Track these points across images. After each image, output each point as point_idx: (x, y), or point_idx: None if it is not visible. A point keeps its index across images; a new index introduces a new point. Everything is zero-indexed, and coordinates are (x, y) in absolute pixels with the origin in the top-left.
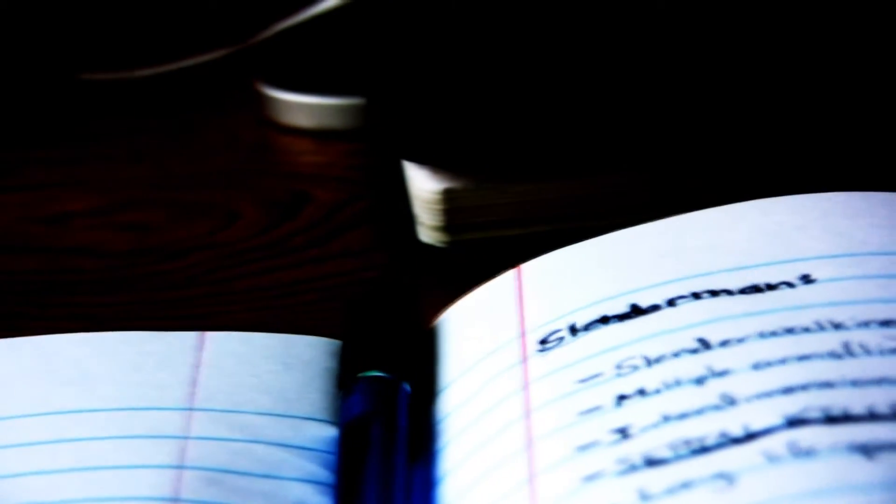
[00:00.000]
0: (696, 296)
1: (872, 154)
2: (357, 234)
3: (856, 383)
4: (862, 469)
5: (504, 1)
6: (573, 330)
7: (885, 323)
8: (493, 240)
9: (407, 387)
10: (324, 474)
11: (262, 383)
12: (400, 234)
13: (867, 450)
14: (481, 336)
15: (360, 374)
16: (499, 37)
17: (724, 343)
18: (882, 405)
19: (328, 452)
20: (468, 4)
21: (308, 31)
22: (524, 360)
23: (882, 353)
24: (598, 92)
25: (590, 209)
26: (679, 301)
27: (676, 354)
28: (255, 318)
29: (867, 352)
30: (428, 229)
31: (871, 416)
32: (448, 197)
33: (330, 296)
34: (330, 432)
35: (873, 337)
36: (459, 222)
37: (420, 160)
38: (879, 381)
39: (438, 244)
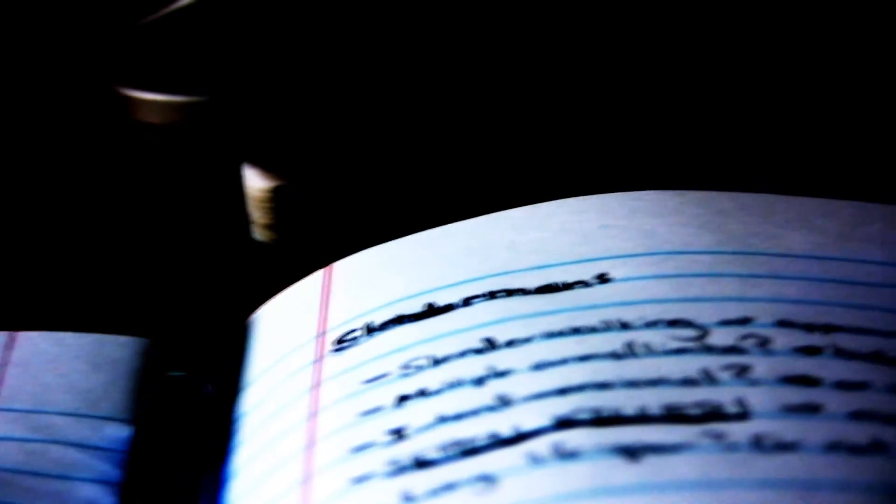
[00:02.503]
0: (492, 295)
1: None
2: (193, 232)
3: (632, 384)
4: (623, 471)
5: (338, 14)
6: (369, 330)
7: (673, 323)
8: (324, 237)
9: (208, 386)
10: (118, 474)
11: (68, 383)
12: (234, 233)
13: (631, 451)
14: (285, 334)
15: (163, 374)
16: (329, 44)
17: (510, 343)
18: (654, 406)
19: (124, 452)
20: (304, 15)
21: (164, 29)
22: (319, 359)
23: (665, 353)
24: (417, 98)
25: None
26: (474, 301)
27: (462, 355)
28: (76, 317)
29: (650, 352)
30: (260, 227)
31: (642, 418)
32: (277, 195)
33: (155, 294)
34: (128, 432)
35: (658, 337)
36: (290, 220)
37: (250, 159)
38: (656, 382)
39: (270, 242)
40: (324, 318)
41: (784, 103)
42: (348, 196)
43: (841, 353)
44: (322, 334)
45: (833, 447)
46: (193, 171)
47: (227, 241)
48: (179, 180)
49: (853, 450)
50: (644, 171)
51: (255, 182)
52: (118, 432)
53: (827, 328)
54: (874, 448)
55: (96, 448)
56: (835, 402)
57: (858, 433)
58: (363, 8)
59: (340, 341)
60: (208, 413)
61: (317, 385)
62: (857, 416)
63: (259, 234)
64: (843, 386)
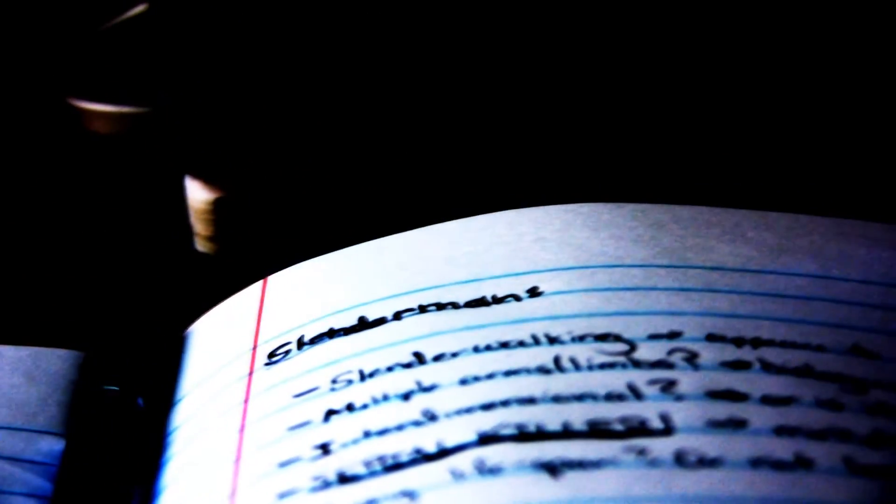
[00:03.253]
0: (423, 309)
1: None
2: (135, 244)
3: (557, 399)
4: (544, 487)
5: (279, 32)
6: (300, 343)
7: (601, 337)
8: (266, 249)
9: (140, 401)
10: (51, 488)
11: (3, 396)
12: (177, 245)
13: (553, 467)
14: (219, 348)
15: (97, 388)
16: (270, 61)
17: (438, 357)
18: (578, 421)
19: (58, 466)
20: (246, 31)
21: (111, 40)
22: (250, 373)
23: (591, 367)
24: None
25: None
26: (405, 314)
27: (390, 369)
28: (13, 329)
29: (576, 367)
30: (202, 239)
31: (565, 433)
32: (219, 207)
33: (93, 307)
34: (62, 446)
35: (586, 351)
36: (232, 232)
37: (193, 171)
38: (581, 397)
39: (212, 254)
40: (257, 332)
41: (718, 117)
42: (289, 208)
43: (769, 368)
44: (255, 348)
45: (757, 463)
46: (137, 182)
47: (169, 253)
48: (123, 191)
49: (777, 465)
50: (580, 184)
51: (196, 194)
52: (52, 446)
53: (756, 342)
54: (799, 464)
55: (30, 462)
56: (760, 417)
57: (783, 448)
58: (303, 27)
59: (272, 355)
60: (141, 427)
61: (247, 399)
62: (782, 431)
63: (201, 245)
64: (769, 401)
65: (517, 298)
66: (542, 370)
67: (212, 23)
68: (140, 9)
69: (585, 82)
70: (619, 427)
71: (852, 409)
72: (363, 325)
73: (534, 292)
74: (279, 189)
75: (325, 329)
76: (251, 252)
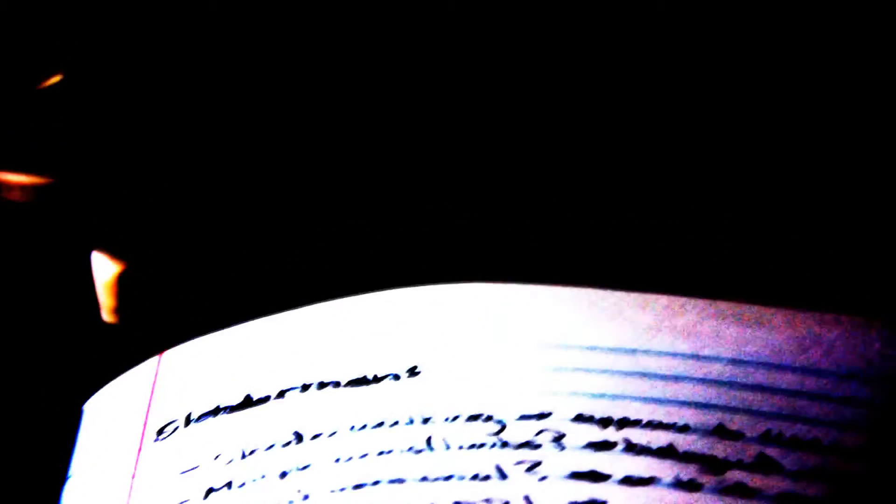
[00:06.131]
0: (305, 388)
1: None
2: (41, 316)
3: (426, 479)
4: None
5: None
6: (188, 420)
7: (474, 417)
8: (169, 322)
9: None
10: None
11: None
12: (82, 316)
13: None
14: (111, 424)
15: None
16: (172, 137)
17: (316, 436)
18: (443, 502)
19: None
20: (153, 101)
21: (29, 109)
22: (139, 449)
23: (461, 447)
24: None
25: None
26: (288, 392)
27: (270, 447)
28: None
29: (447, 447)
30: (108, 311)
31: None
32: (123, 280)
33: None
34: None
35: (457, 432)
36: (136, 305)
37: (98, 244)
38: (449, 477)
39: (118, 324)
40: (149, 408)
41: (600, 197)
42: (193, 282)
43: (632, 448)
44: (146, 424)
45: None
46: (45, 251)
47: (74, 325)
48: (30, 260)
49: None
50: (463, 264)
51: (102, 266)
52: None
53: (622, 423)
54: None
55: None
56: (620, 497)
57: None
58: (203, 107)
59: (160, 431)
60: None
61: (134, 475)
62: None
63: (108, 317)
64: (629, 482)
65: (396, 378)
66: (414, 450)
67: (124, 96)
68: (55, 79)
69: (466, 165)
70: None
71: (709, 490)
72: (247, 403)
73: (413, 372)
74: (183, 263)
75: (211, 406)
76: (155, 324)
